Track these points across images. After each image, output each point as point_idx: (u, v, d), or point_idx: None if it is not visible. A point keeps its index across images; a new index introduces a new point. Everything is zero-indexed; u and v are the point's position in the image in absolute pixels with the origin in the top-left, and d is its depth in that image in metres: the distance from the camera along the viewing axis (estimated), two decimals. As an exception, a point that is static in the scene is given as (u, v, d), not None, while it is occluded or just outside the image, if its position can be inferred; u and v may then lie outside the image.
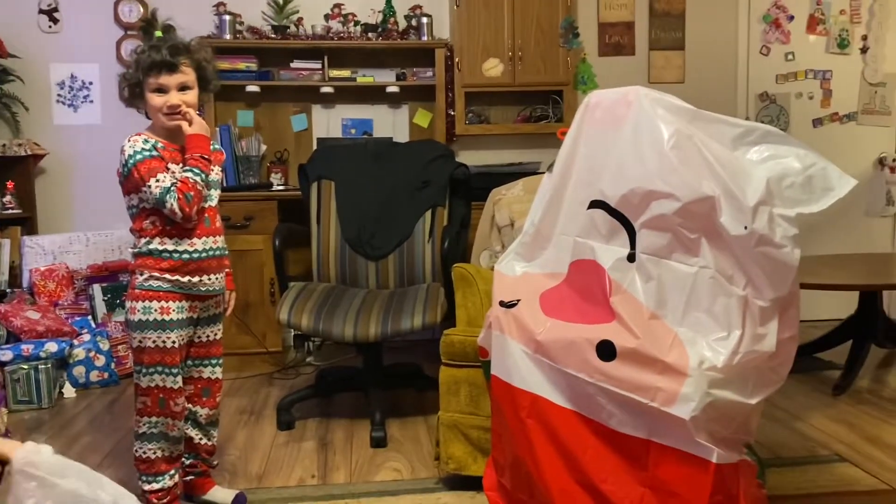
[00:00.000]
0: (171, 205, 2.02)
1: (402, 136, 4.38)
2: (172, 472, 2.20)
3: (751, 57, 4.67)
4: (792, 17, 4.67)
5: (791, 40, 4.69)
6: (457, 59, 4.14)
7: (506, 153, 4.45)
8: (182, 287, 2.11)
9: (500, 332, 1.93)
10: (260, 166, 4.24)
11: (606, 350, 1.68)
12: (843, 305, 4.05)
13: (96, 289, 3.89)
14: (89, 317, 3.82)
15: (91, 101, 4.22)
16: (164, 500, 2.18)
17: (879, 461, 2.57)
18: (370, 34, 4.20)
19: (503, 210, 3.15)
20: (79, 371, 3.61)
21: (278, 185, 4.17)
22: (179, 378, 2.16)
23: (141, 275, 2.10)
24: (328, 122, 4.38)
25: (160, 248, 2.09)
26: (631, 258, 1.73)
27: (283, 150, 4.32)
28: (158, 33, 2.12)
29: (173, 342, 2.11)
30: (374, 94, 4.34)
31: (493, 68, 4.18)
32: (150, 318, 2.09)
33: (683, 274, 1.66)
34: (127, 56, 4.14)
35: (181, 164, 2.11)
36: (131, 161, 2.04)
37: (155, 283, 2.09)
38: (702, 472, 1.60)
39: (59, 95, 4.21)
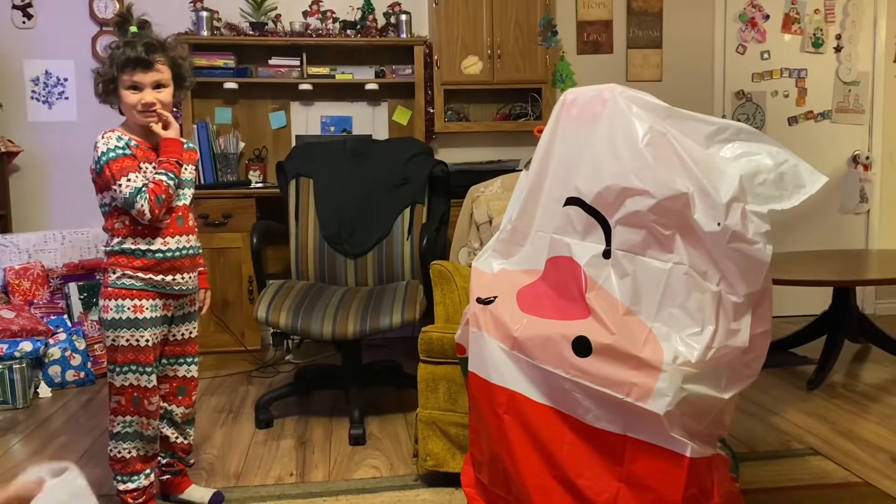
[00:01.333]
0: (142, 206, 2.00)
1: (382, 134, 4.38)
2: (148, 471, 2.19)
3: (727, 55, 4.71)
4: (767, 16, 4.73)
5: (767, 39, 4.74)
6: (436, 57, 4.15)
7: (485, 151, 4.46)
8: (155, 286, 2.10)
9: (478, 328, 1.94)
10: (238, 164, 4.21)
11: (582, 346, 1.69)
12: (817, 301, 4.11)
13: (72, 287, 3.85)
14: (65, 316, 3.78)
15: (66, 98, 4.18)
16: (140, 500, 2.17)
17: (852, 454, 2.61)
18: (349, 31, 4.19)
19: (481, 207, 3.16)
20: (54, 370, 3.57)
21: (256, 182, 4.15)
22: (154, 377, 2.14)
23: (113, 273, 2.09)
24: (307, 120, 4.37)
25: (133, 247, 2.07)
26: (606, 255, 1.74)
27: (262, 147, 4.31)
28: (133, 29, 2.10)
29: (147, 340, 2.10)
30: (353, 92, 4.33)
31: (472, 66, 4.18)
32: (123, 317, 2.07)
33: (658, 270, 1.68)
34: (102, 52, 4.10)
35: (154, 164, 2.10)
36: (104, 159, 2.03)
37: (128, 282, 2.08)
38: (676, 466, 1.62)
39: (33, 92, 4.16)
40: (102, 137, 2.05)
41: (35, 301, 3.77)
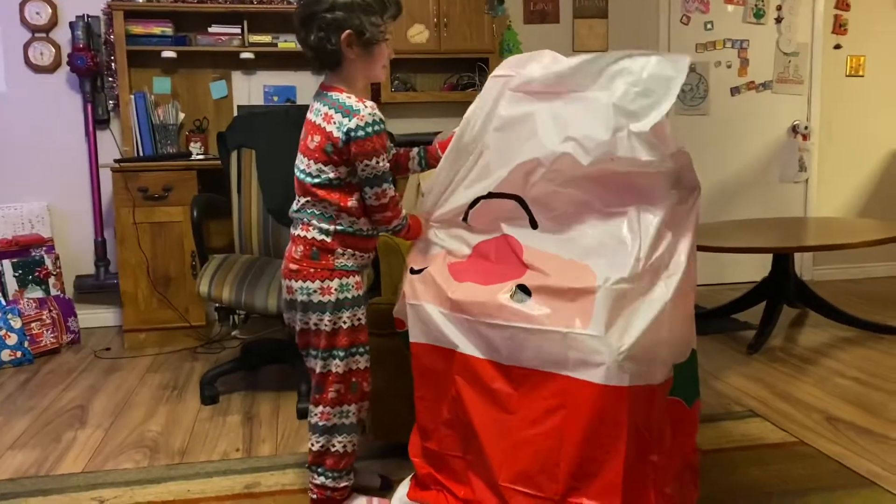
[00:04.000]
0: (389, 187, 1.88)
1: (327, 104, 4.30)
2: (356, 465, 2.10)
3: (672, 26, 4.75)
4: (711, -13, 4.77)
5: (710, 10, 4.79)
6: (381, 25, 4.07)
7: (432, 122, 4.42)
8: (362, 266, 2.00)
9: (416, 299, 1.94)
10: (178, 135, 4.10)
11: (521, 292, 1.74)
12: (757, 268, 4.21)
13: (6, 265, 3.72)
14: (-1, 294, 3.66)
15: (-7, 67, 3.99)
16: (345, 497, 2.08)
17: (789, 415, 2.69)
18: (291, -2, 4.09)
19: (427, 179, 3.13)
20: (-11, 351, 3.46)
21: (197, 154, 4.05)
22: (368, 356, 2.02)
23: (343, 255, 1.92)
24: (249, 90, 4.27)
25: (363, 227, 1.94)
26: (534, 226, 1.84)
27: (203, 118, 4.19)
28: None
29: (364, 319, 1.99)
30: (296, 60, 4.23)
31: (419, 35, 4.13)
32: (350, 296, 1.93)
33: (580, 219, 1.78)
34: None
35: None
36: (372, 129, 1.81)
37: (350, 263, 1.94)
38: (619, 397, 1.63)
39: (-43, 61, 3.96)
40: (361, 103, 1.84)
41: (-34, 279, 3.64)
